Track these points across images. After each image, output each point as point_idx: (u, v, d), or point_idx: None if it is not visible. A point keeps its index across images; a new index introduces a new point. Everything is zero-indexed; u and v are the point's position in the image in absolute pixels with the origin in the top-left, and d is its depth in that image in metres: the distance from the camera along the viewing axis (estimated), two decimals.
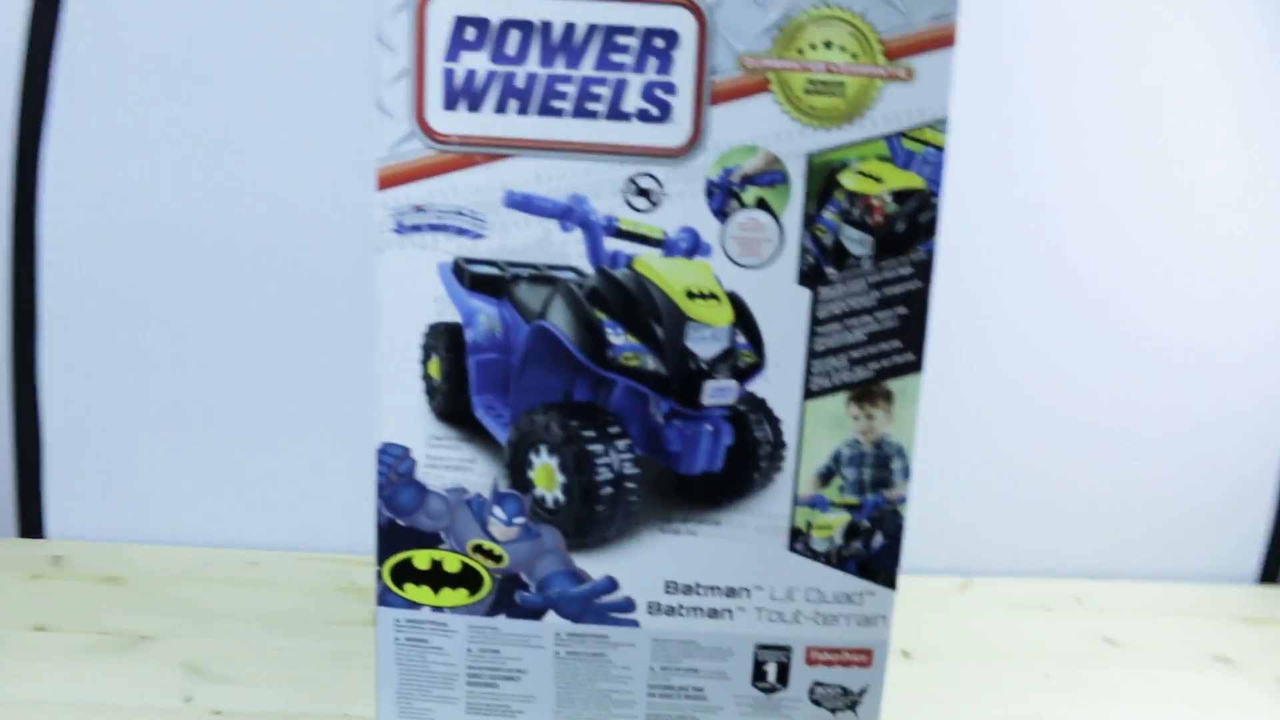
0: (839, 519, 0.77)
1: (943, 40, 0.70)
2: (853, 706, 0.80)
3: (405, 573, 0.78)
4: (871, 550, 0.78)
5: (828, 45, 0.70)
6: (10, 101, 1.02)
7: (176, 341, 1.06)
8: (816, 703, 0.80)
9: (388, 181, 0.72)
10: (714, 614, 0.78)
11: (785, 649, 0.79)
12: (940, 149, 0.72)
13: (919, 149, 0.72)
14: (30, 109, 1.02)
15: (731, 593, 0.78)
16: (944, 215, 1.04)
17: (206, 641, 0.94)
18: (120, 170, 1.03)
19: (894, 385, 0.75)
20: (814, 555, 0.77)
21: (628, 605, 0.78)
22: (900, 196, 0.73)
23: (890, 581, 0.78)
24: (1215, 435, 1.13)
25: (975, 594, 1.11)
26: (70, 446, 1.08)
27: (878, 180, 0.72)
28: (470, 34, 0.70)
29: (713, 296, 0.73)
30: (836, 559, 0.78)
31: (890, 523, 0.77)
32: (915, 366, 0.75)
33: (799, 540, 0.77)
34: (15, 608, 0.97)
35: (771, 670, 0.80)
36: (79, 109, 1.02)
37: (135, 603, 0.99)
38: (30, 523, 1.09)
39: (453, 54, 0.70)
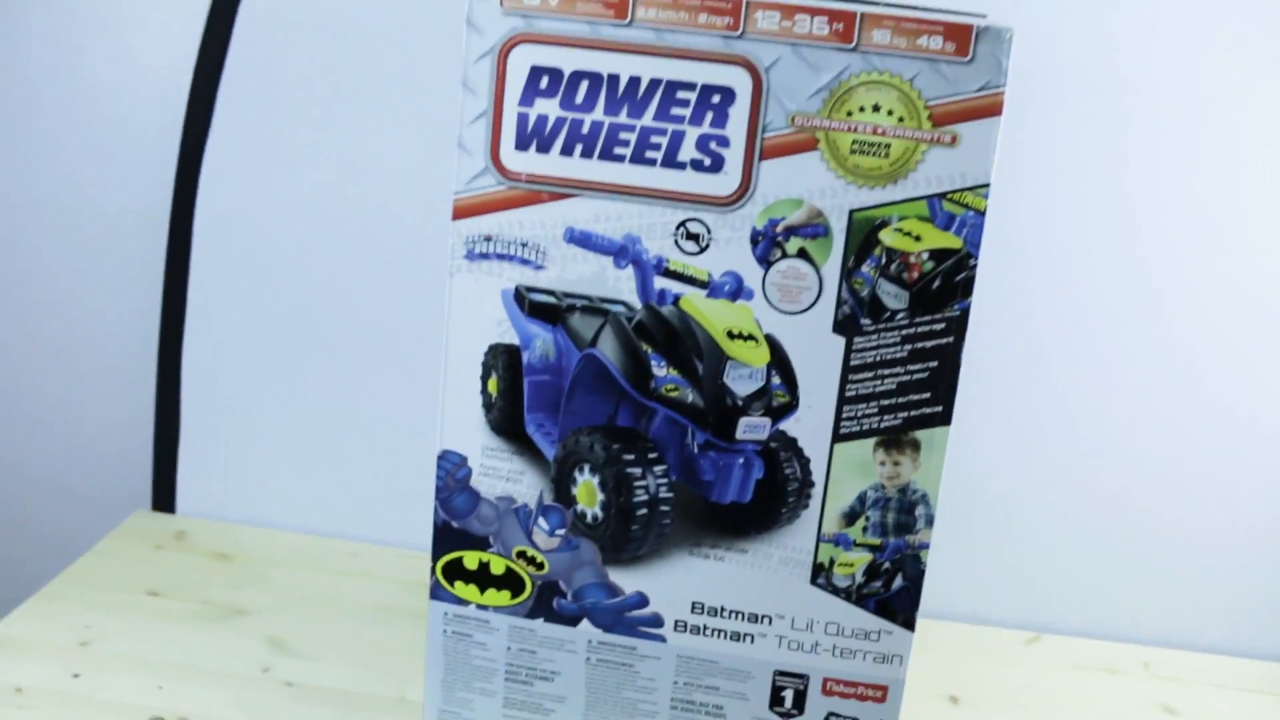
0: (861, 558, 0.81)
1: (989, 109, 0.74)
2: None
3: (456, 571, 0.85)
4: (891, 591, 0.81)
5: (875, 109, 0.74)
6: (178, 120, 1.13)
7: (302, 344, 1.16)
8: None
9: (462, 213, 0.79)
10: (736, 637, 0.83)
11: (803, 677, 0.83)
12: (980, 212, 0.75)
13: (959, 211, 0.76)
14: (194, 128, 1.13)
15: (754, 619, 0.82)
16: (1039, 275, 1.07)
17: (294, 620, 1.03)
18: (263, 188, 1.13)
19: (922, 435, 0.78)
20: (835, 591, 0.81)
21: (656, 621, 0.83)
22: (938, 255, 0.76)
23: (909, 623, 0.81)
24: None
25: (1042, 649, 1.12)
26: (204, 431, 1.19)
27: (917, 239, 0.76)
28: (544, 82, 0.77)
29: (752, 338, 0.78)
30: (857, 596, 0.81)
31: (911, 567, 0.80)
32: (944, 419, 0.78)
33: (821, 575, 0.81)
34: (137, 573, 1.08)
35: (789, 696, 0.83)
36: (234, 131, 1.12)
37: (239, 579, 1.09)
38: (164, 498, 1.20)
39: (527, 99, 0.77)
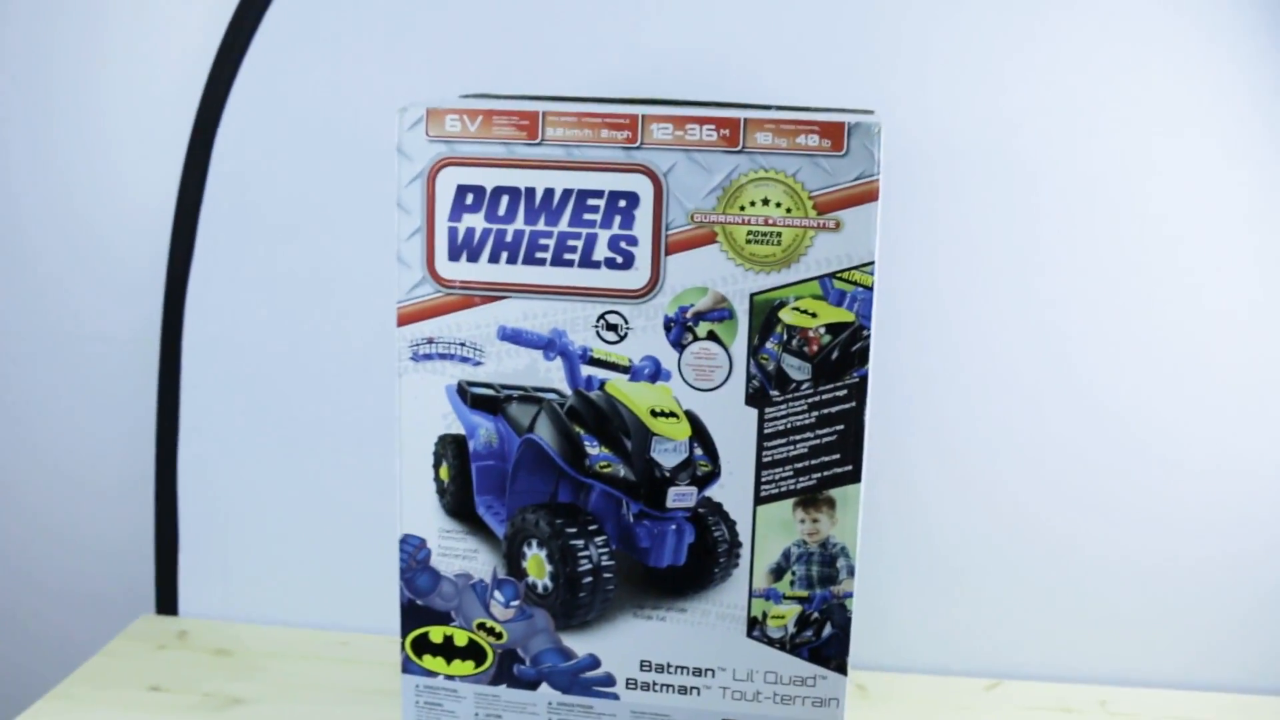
0: (791, 610, 0.88)
1: (867, 196, 0.82)
2: None
3: (423, 645, 0.92)
4: (822, 639, 0.88)
5: (765, 202, 0.83)
6: (163, 250, 1.23)
7: (287, 450, 1.24)
8: None
9: (405, 319, 0.88)
10: (684, 690, 0.90)
11: None
12: (868, 288, 0.83)
13: (849, 288, 0.84)
14: (178, 256, 1.22)
15: (698, 672, 0.89)
16: (963, 338, 1.14)
17: (288, 707, 1.10)
18: (244, 308, 1.22)
19: (835, 493, 0.86)
20: (770, 641, 0.88)
21: (608, 680, 0.90)
22: (834, 329, 0.84)
23: (841, 667, 0.88)
24: (1248, 543, 1.17)
25: (1000, 694, 1.17)
26: (201, 537, 1.26)
27: (813, 315, 0.84)
28: (469, 199, 0.86)
29: (673, 415, 0.86)
30: (790, 646, 0.88)
31: (838, 615, 0.87)
32: (854, 477, 0.85)
33: (756, 628, 0.88)
34: (139, 671, 1.15)
35: None
36: (214, 257, 1.22)
37: (237, 672, 1.16)
38: (166, 601, 1.28)
39: (455, 215, 0.86)
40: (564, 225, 0.85)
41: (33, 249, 1.27)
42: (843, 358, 0.84)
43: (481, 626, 0.91)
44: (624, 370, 0.86)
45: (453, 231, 0.86)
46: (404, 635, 0.92)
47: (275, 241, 1.21)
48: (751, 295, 0.84)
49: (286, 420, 1.23)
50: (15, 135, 1.25)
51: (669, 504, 0.87)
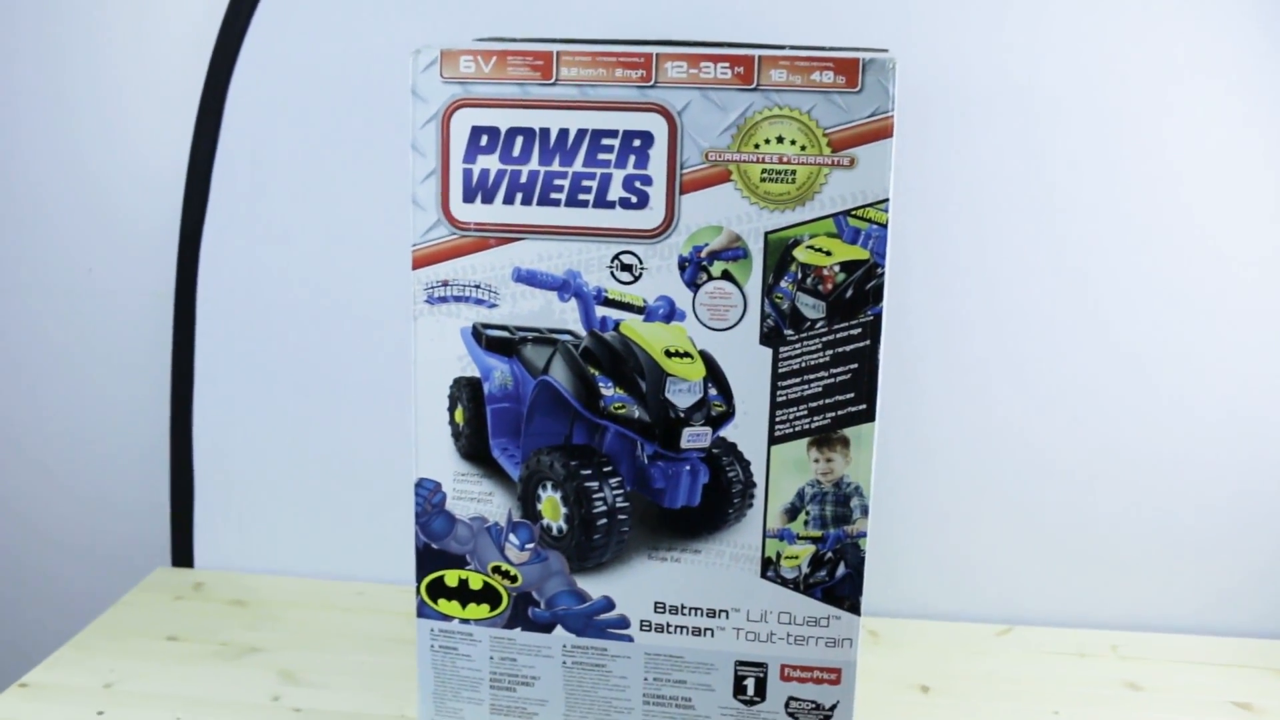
0: (805, 550, 0.88)
1: (881, 132, 0.82)
2: None
3: (438, 589, 0.92)
4: (836, 579, 0.88)
5: (780, 140, 0.83)
6: (177, 205, 1.23)
7: (302, 402, 1.24)
8: (792, 715, 0.90)
9: (420, 262, 0.88)
10: (698, 632, 0.90)
11: (762, 666, 0.90)
12: (883, 225, 0.83)
13: (864, 226, 0.83)
14: (191, 212, 1.23)
15: (712, 614, 0.89)
16: (981, 282, 1.14)
17: (304, 654, 1.10)
18: (257, 261, 1.22)
19: (849, 432, 0.86)
20: (784, 582, 0.88)
21: (622, 623, 0.90)
22: (848, 267, 0.84)
23: (854, 607, 0.88)
24: (1264, 489, 1.17)
25: (1013, 639, 1.17)
26: (217, 490, 1.27)
27: (827, 254, 0.84)
28: (484, 140, 0.85)
29: (687, 355, 0.86)
30: (804, 586, 0.88)
31: (851, 555, 0.88)
32: (868, 416, 0.85)
33: (770, 568, 0.88)
34: (157, 621, 1.16)
35: (750, 684, 0.90)
36: (228, 212, 1.22)
37: (254, 621, 1.17)
38: (182, 554, 1.28)
39: (470, 156, 0.86)
40: (578, 165, 0.85)
41: (46, 207, 1.28)
42: (857, 296, 0.84)
43: (497, 570, 0.91)
44: (638, 311, 0.86)
45: (467, 173, 0.86)
46: (419, 579, 0.93)
47: (289, 192, 1.21)
48: (766, 234, 0.84)
49: (301, 371, 1.24)
50: (27, 93, 1.25)
51: (683, 445, 0.87)
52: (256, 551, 1.28)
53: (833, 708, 0.90)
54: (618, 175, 0.84)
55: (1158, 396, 1.16)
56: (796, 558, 0.88)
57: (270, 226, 1.23)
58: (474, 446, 0.90)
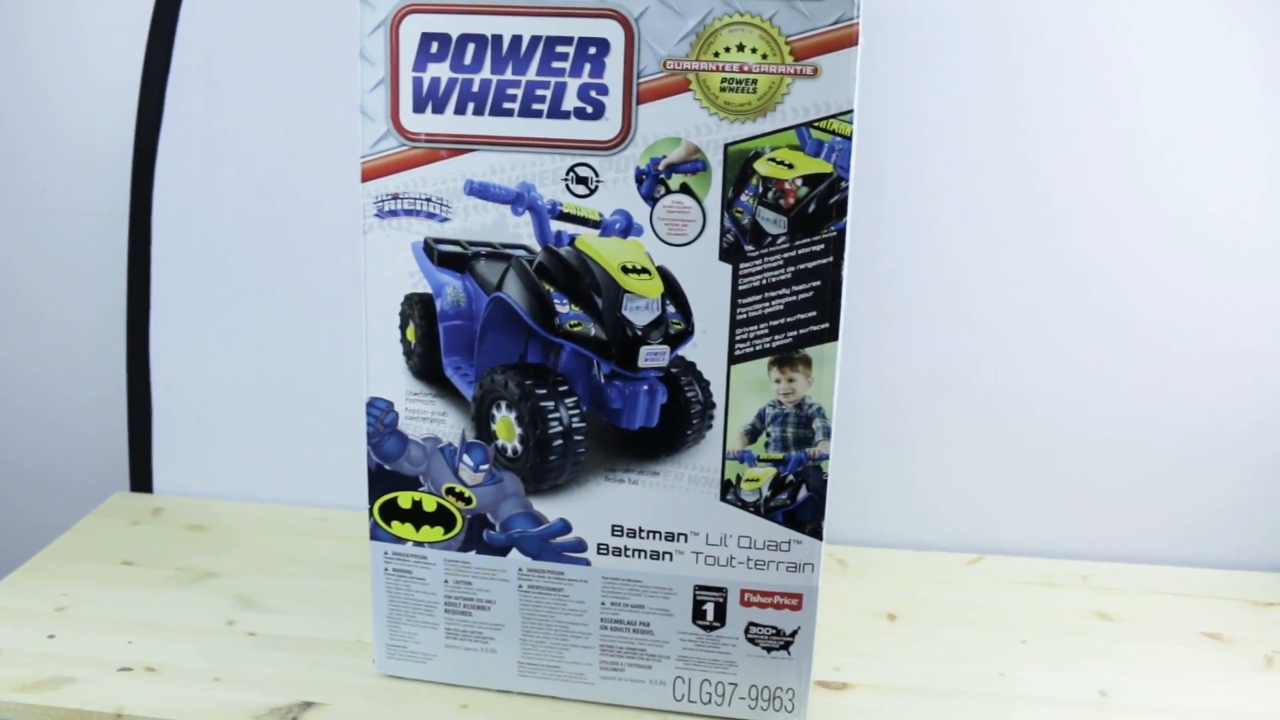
0: (766, 473, 0.86)
1: (846, 40, 0.79)
2: (786, 646, 0.88)
3: (391, 511, 0.90)
4: (797, 502, 0.86)
5: (740, 48, 0.79)
6: (130, 121, 1.20)
7: (260, 324, 1.22)
8: (752, 641, 0.89)
9: (370, 174, 0.85)
10: (656, 556, 0.88)
11: (722, 590, 0.88)
12: (847, 138, 0.80)
13: (827, 138, 0.81)
14: (146, 128, 1.19)
15: (670, 537, 0.87)
16: (950, 200, 1.11)
17: (262, 579, 1.09)
18: (213, 179, 1.19)
19: (811, 352, 0.83)
20: (744, 505, 0.86)
21: (579, 546, 0.88)
22: (811, 181, 0.81)
23: (816, 532, 0.86)
24: (1235, 421, 1.15)
25: (982, 569, 1.16)
26: (175, 413, 1.25)
27: (789, 166, 0.81)
28: (434, 47, 0.82)
29: (645, 271, 0.83)
30: (765, 509, 0.86)
31: (814, 478, 0.85)
32: (831, 335, 0.83)
33: (730, 491, 0.86)
34: (113, 546, 1.14)
35: (710, 609, 0.89)
36: (182, 128, 1.19)
37: (211, 547, 1.15)
38: (141, 480, 1.26)
39: (420, 65, 0.83)
40: (532, 74, 0.81)
41: None
42: (820, 210, 0.81)
43: (450, 491, 0.89)
44: (594, 225, 0.83)
45: (417, 82, 0.83)
46: (371, 501, 0.91)
47: (244, 108, 1.18)
48: (726, 146, 0.81)
49: (259, 292, 1.21)
50: None
51: (641, 363, 0.85)
52: (217, 476, 1.26)
53: (794, 633, 0.88)
54: (572, 84, 0.81)
55: (1132, 324, 1.14)
56: (757, 480, 0.86)
57: (225, 143, 1.19)
58: (426, 365, 0.88)
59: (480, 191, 0.84)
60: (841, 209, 0.81)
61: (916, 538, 1.20)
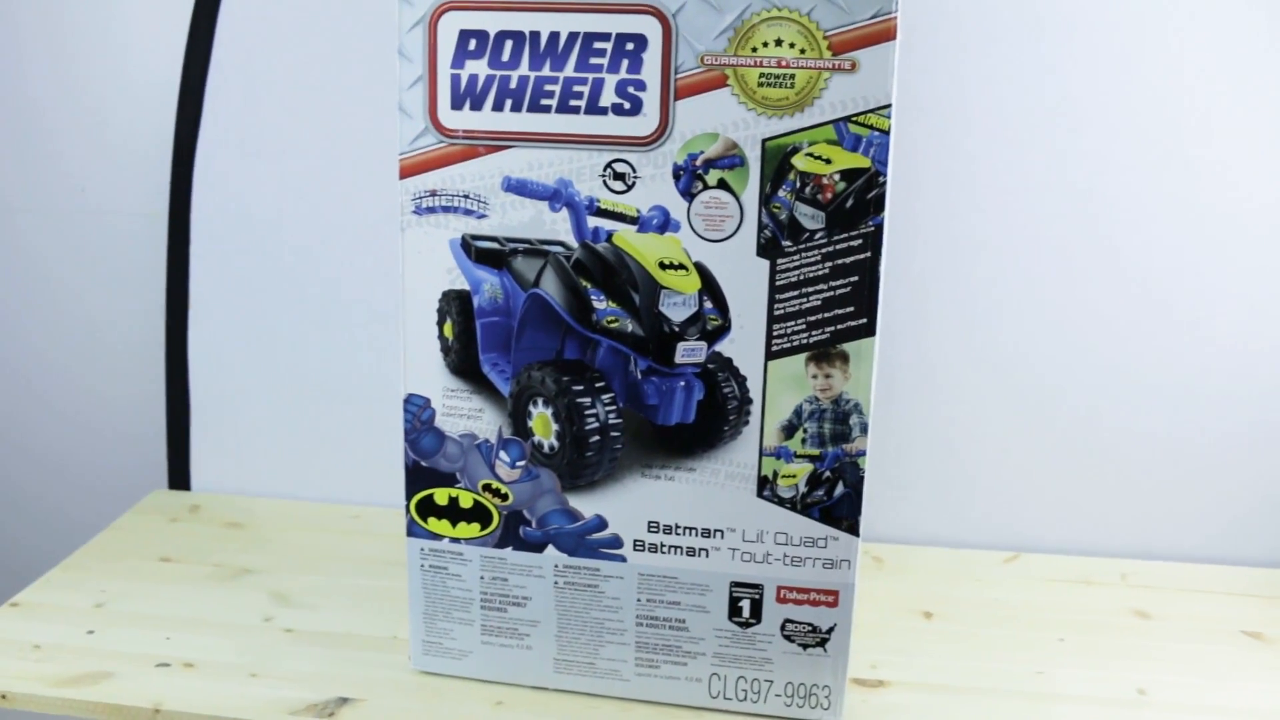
0: (802, 469, 0.85)
1: (884, 35, 0.78)
2: (822, 644, 0.88)
3: (428, 508, 0.91)
4: (834, 499, 0.86)
5: (778, 43, 0.79)
6: (170, 122, 1.21)
7: (298, 323, 1.22)
8: (788, 638, 0.88)
9: (407, 171, 0.86)
10: (692, 552, 0.88)
11: (758, 587, 0.88)
12: (885, 132, 0.80)
13: (865, 133, 0.80)
14: (185, 129, 1.20)
15: (707, 533, 0.87)
16: (989, 195, 1.11)
17: (298, 576, 1.09)
18: (252, 179, 1.20)
19: (849, 347, 0.83)
20: (780, 501, 0.86)
21: (615, 542, 0.88)
22: (849, 176, 0.81)
23: (853, 528, 0.86)
24: (1275, 417, 1.14)
25: (1019, 566, 1.15)
26: (213, 412, 1.26)
27: (827, 161, 0.81)
28: (472, 44, 0.82)
29: (682, 267, 0.83)
30: (801, 506, 0.86)
31: (850, 474, 0.85)
32: (868, 330, 0.83)
33: (766, 487, 0.86)
34: (151, 543, 1.15)
35: (746, 606, 0.88)
36: (221, 128, 1.19)
37: (249, 544, 1.15)
38: (179, 477, 1.27)
39: (458, 62, 0.83)
40: (569, 70, 0.82)
41: (39, 123, 1.25)
42: (858, 205, 0.81)
43: (487, 488, 0.89)
44: (632, 221, 0.83)
45: (455, 79, 0.83)
46: (409, 498, 0.91)
47: (283, 106, 1.18)
48: (763, 141, 0.81)
49: (296, 290, 1.22)
50: (20, 9, 1.22)
51: (678, 359, 0.84)
52: (254, 474, 1.27)
53: (830, 630, 0.88)
54: (610, 80, 0.81)
55: (1170, 320, 1.13)
56: (794, 476, 0.86)
57: (264, 141, 1.20)
58: (463, 361, 0.88)
59: (518, 188, 0.84)
60: (879, 204, 0.81)
61: (953, 535, 1.19)
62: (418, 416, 0.89)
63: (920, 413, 1.17)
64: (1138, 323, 1.13)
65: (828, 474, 0.85)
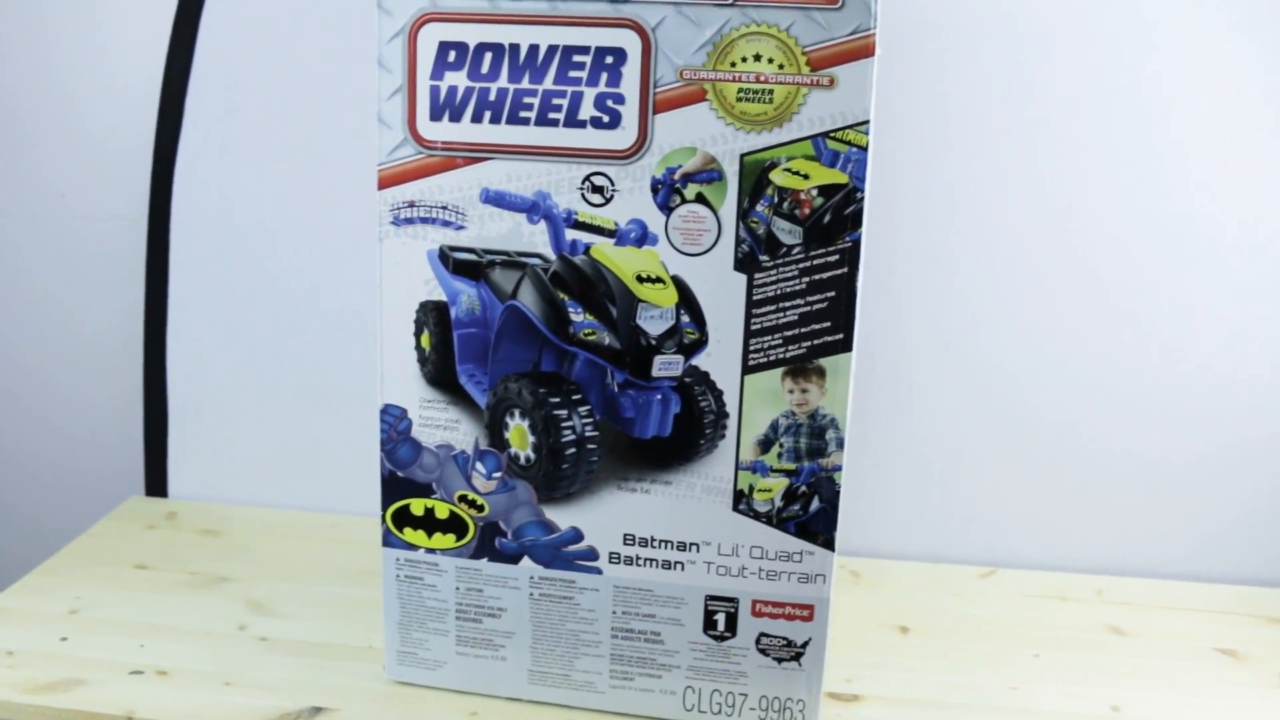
0: (779, 483, 0.86)
1: (862, 51, 0.79)
2: (797, 658, 0.88)
3: (404, 518, 0.91)
4: (809, 513, 0.86)
5: (757, 58, 0.80)
6: (150, 128, 1.20)
7: (277, 331, 1.22)
8: (763, 652, 0.88)
9: (386, 182, 0.85)
10: (667, 565, 0.88)
11: (733, 600, 0.88)
12: (863, 148, 0.80)
13: (843, 148, 0.81)
14: (165, 134, 1.20)
15: (682, 547, 0.87)
16: (966, 211, 1.11)
17: (274, 584, 1.09)
18: (232, 186, 1.20)
19: (825, 362, 0.83)
20: (756, 515, 0.86)
21: (591, 554, 0.88)
22: (826, 191, 0.81)
23: (828, 543, 0.86)
24: (1250, 436, 1.15)
25: (996, 582, 1.16)
26: (191, 419, 1.25)
27: (805, 177, 0.81)
28: (451, 56, 0.83)
29: (660, 280, 0.83)
30: (777, 520, 0.86)
31: (826, 488, 0.85)
32: (845, 345, 0.83)
33: (742, 501, 0.86)
34: (127, 550, 1.15)
35: (721, 619, 0.88)
36: (202, 134, 1.19)
37: (225, 552, 1.15)
38: (156, 484, 1.27)
39: (437, 73, 0.83)
40: (549, 83, 0.82)
41: (19, 128, 1.25)
42: (835, 221, 0.81)
43: (463, 499, 0.89)
44: (610, 234, 0.83)
45: (434, 90, 0.83)
46: (384, 508, 0.91)
47: (263, 114, 1.18)
48: (742, 155, 0.81)
49: (274, 299, 1.22)
50: (3, 15, 1.22)
51: (655, 373, 0.85)
52: (231, 481, 1.26)
53: (805, 644, 0.88)
54: (589, 93, 0.81)
55: (1146, 338, 1.13)
56: (770, 491, 0.86)
57: (244, 149, 1.20)
58: (440, 372, 0.88)
59: (496, 200, 0.84)
60: (857, 220, 0.81)
61: (929, 550, 1.20)
62: (394, 427, 0.89)
63: (897, 428, 1.17)
64: (1115, 339, 1.13)
65: (804, 488, 0.85)
